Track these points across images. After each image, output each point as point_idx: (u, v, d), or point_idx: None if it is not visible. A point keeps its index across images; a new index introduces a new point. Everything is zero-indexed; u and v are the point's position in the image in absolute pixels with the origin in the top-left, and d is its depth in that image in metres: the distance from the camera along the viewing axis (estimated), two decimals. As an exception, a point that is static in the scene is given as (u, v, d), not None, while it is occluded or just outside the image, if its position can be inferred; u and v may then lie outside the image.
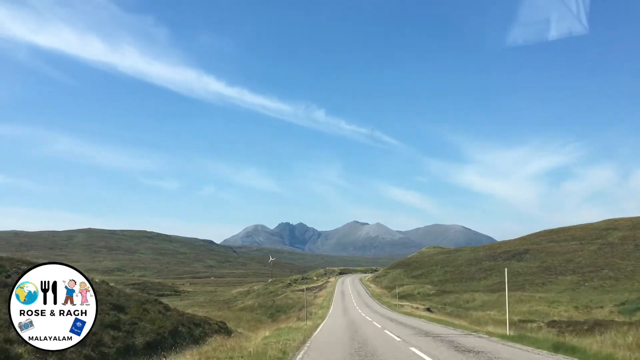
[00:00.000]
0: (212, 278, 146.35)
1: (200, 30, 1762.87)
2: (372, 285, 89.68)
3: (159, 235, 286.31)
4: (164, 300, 33.75)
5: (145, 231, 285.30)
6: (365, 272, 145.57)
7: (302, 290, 76.21)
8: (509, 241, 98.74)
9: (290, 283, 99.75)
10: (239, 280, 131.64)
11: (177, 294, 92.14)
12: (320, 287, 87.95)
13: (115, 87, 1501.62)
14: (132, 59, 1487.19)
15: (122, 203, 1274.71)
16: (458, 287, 71.45)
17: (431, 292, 66.68)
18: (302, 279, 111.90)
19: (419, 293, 66.74)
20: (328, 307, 49.20)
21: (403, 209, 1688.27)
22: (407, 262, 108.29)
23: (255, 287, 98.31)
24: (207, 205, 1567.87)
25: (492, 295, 55.58)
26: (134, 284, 79.69)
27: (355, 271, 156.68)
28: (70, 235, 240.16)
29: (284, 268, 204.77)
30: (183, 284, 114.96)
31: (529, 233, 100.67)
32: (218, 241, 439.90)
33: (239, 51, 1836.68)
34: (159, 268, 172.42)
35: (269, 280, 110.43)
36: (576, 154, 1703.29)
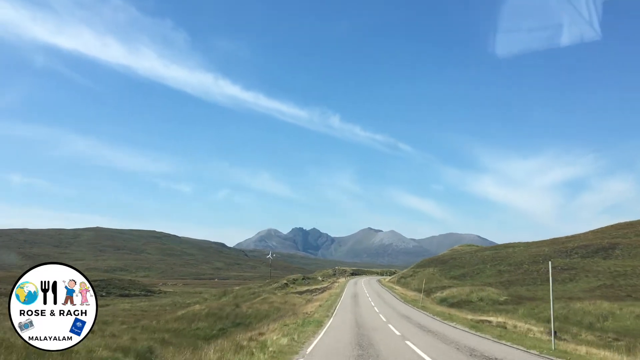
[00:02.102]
0: (216, 280, 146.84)
1: (218, 35, 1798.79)
2: (397, 287, 74.15)
3: (167, 235, 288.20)
4: (117, 301, 29.75)
5: (154, 231, 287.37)
6: (382, 274, 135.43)
7: (300, 292, 66.42)
8: (576, 236, 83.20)
9: (286, 283, 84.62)
10: (240, 282, 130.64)
11: (148, 294, 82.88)
12: (323, 289, 69.20)
13: (132, 89, 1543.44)
14: (150, 61, 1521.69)
15: (137, 205, 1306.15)
16: (536, 292, 51.60)
17: (501, 299, 46.19)
18: (303, 279, 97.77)
19: (480, 299, 46.69)
20: (320, 324, 24.36)
21: (418, 216, 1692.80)
22: (441, 260, 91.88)
23: (236, 288, 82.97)
24: (222, 209, 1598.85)
25: (615, 305, 36.38)
26: (99, 280, 78.52)
27: (371, 272, 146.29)
28: (77, 233, 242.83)
29: (294, 272, 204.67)
30: (165, 284, 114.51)
31: (599, 227, 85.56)
32: (231, 244, 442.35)
33: (256, 56, 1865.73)
34: (163, 268, 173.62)
35: (267, 281, 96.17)
36: (593, 165, 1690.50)
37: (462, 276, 71.67)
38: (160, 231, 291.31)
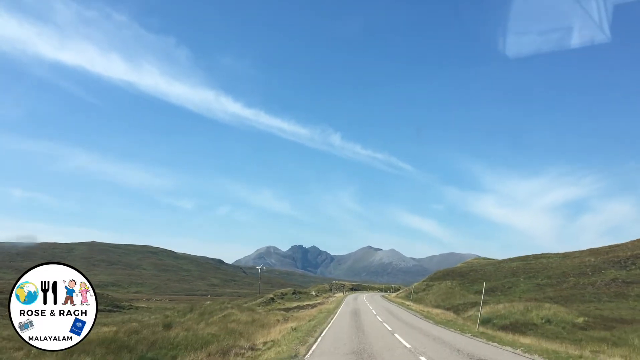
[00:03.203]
0: (209, 296, 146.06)
1: (221, 52, 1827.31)
2: (410, 303, 60.60)
3: (164, 251, 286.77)
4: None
5: (150, 246, 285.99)
6: (385, 290, 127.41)
7: (287, 308, 55.99)
8: (614, 246, 73.28)
9: (272, 298, 74.05)
10: (233, 299, 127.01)
11: (114, 309, 68.87)
12: (315, 305, 58.89)
13: (135, 105, 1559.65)
14: (152, 78, 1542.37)
15: (137, 221, 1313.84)
16: (620, 311, 39.36)
17: (577, 321, 33.83)
18: (294, 294, 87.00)
19: (546, 321, 34.22)
20: None
21: (418, 236, 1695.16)
22: (458, 272, 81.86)
23: (207, 302, 65.59)
24: (222, 225, 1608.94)
25: None
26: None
27: (372, 288, 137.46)
28: (70, 247, 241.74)
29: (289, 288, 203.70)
30: (149, 299, 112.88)
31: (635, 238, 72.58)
32: (230, 261, 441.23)
33: (258, 74, 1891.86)
34: (157, 284, 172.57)
35: (257, 296, 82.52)
36: (594, 186, 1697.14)
37: (490, 291, 60.05)
38: (156, 246, 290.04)
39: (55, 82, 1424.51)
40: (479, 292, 54.85)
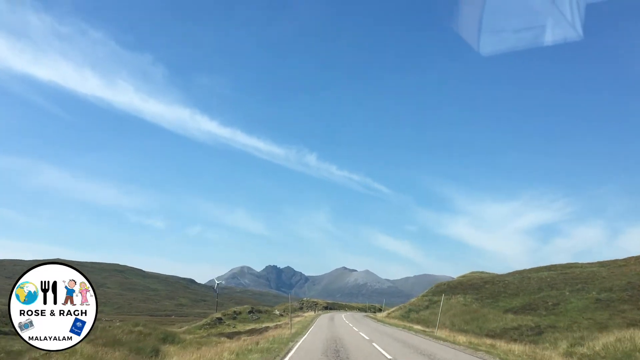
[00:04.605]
0: (172, 317, 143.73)
1: (197, 71, 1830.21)
2: (419, 326, 43.54)
3: (132, 269, 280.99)
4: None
5: (117, 264, 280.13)
6: (365, 310, 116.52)
7: (235, 332, 47.58)
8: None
9: (220, 319, 62.74)
10: (199, 320, 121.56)
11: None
12: (275, 327, 44.93)
13: (108, 122, 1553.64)
14: (127, 95, 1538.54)
15: (106, 239, 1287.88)
16: None
17: None
18: (251, 312, 73.78)
19: None
20: None
21: (392, 257, 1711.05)
22: (468, 285, 66.72)
23: (117, 323, 44.70)
24: (194, 245, 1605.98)
25: None
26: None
27: (350, 307, 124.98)
28: (33, 264, 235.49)
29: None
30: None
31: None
32: (202, 281, 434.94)
33: (234, 92, 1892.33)
34: (120, 304, 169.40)
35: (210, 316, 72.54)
36: (565, 211, 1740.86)
37: (528, 309, 47.33)
38: (123, 264, 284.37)
39: (28, 96, 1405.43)
40: (511, 311, 47.95)
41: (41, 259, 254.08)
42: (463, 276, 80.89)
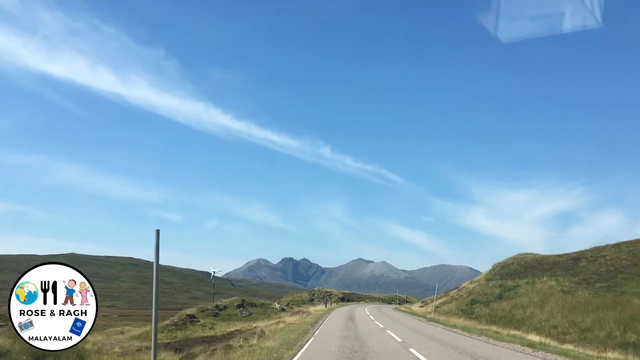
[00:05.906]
0: (183, 310, 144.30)
1: (210, 64, 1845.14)
2: (529, 335, 25.54)
3: (146, 263, 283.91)
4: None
5: (131, 258, 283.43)
6: (390, 302, 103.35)
7: (205, 338, 29.10)
8: None
9: (193, 317, 46.14)
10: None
11: None
12: (247, 335, 24.91)
13: (123, 117, 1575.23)
14: (141, 90, 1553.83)
15: (124, 233, 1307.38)
16: None
17: None
18: (240, 307, 56.79)
19: None
20: None
21: (409, 248, 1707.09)
22: (552, 264, 49.31)
23: None
24: (211, 238, 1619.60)
25: None
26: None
27: (372, 299, 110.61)
28: (47, 259, 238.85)
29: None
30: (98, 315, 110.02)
31: None
32: (219, 274, 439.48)
33: (248, 85, 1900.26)
34: (133, 297, 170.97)
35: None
36: (583, 199, 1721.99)
37: None
38: (138, 258, 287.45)
39: (43, 93, 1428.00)
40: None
41: (56, 254, 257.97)
42: (514, 257, 59.41)
